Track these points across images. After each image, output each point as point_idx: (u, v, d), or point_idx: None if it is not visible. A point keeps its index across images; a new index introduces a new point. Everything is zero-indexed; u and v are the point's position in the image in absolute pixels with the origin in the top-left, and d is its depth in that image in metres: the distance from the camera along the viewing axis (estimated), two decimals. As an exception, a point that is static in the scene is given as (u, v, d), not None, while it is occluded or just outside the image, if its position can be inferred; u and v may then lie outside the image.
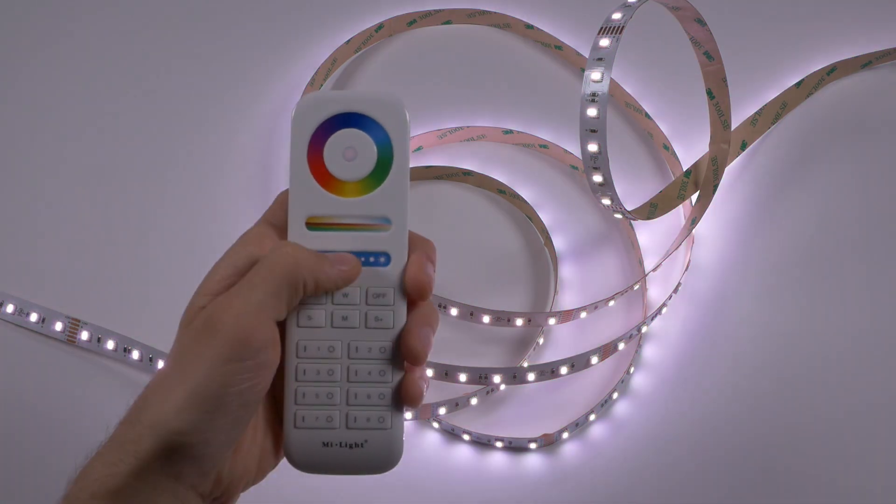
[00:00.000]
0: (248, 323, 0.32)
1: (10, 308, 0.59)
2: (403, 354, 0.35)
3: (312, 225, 0.35)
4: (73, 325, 0.58)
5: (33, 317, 0.58)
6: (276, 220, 0.36)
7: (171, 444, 0.31)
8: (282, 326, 0.35)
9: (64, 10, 0.74)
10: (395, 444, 0.35)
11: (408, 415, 0.55)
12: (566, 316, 0.57)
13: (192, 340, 0.32)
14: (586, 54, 0.69)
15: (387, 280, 0.35)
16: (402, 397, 0.35)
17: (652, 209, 0.62)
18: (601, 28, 0.53)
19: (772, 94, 0.69)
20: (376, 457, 0.35)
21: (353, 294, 0.35)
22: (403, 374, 0.35)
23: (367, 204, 0.35)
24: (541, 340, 0.59)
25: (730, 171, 0.66)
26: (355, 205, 0.35)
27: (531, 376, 0.54)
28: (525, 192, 0.65)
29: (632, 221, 0.63)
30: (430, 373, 0.54)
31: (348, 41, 0.71)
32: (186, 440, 0.31)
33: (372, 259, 0.35)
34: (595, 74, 0.52)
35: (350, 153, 0.35)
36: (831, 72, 0.70)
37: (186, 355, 0.32)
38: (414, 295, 0.35)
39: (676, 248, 0.61)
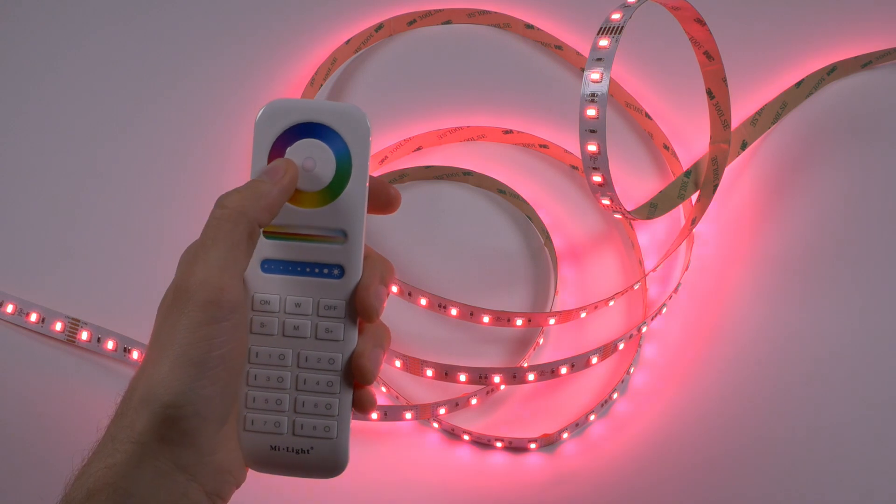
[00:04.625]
0: (215, 284, 0.32)
1: (10, 308, 0.59)
2: (354, 374, 0.35)
3: (268, 233, 0.35)
4: (73, 325, 0.58)
5: (33, 317, 0.58)
6: None
7: (165, 419, 0.31)
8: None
9: (66, 14, 0.75)
10: (340, 453, 0.36)
11: (409, 415, 0.55)
12: (566, 316, 0.57)
13: (165, 315, 0.33)
14: (586, 54, 0.69)
15: (339, 293, 0.35)
16: (356, 407, 0.36)
17: (652, 209, 0.62)
18: (601, 28, 0.53)
19: (772, 94, 0.69)
20: (322, 463, 0.36)
21: (304, 304, 0.35)
22: (352, 387, 0.36)
23: (322, 216, 0.35)
24: (541, 340, 0.59)
25: (730, 171, 0.66)
26: (311, 216, 0.35)
27: (531, 376, 0.54)
28: (525, 192, 0.65)
29: (632, 221, 0.63)
30: (430, 373, 0.54)
31: (348, 41, 0.71)
32: (178, 412, 0.31)
33: (325, 271, 0.35)
34: (594, 74, 0.52)
35: (309, 163, 0.35)
36: (831, 72, 0.70)
37: (164, 330, 0.32)
38: (362, 316, 0.35)
39: (676, 248, 0.61)
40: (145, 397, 0.32)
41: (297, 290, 0.35)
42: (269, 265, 0.35)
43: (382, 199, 0.37)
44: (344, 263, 0.35)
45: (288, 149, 0.35)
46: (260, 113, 0.35)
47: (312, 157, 0.35)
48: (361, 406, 0.36)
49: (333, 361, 0.35)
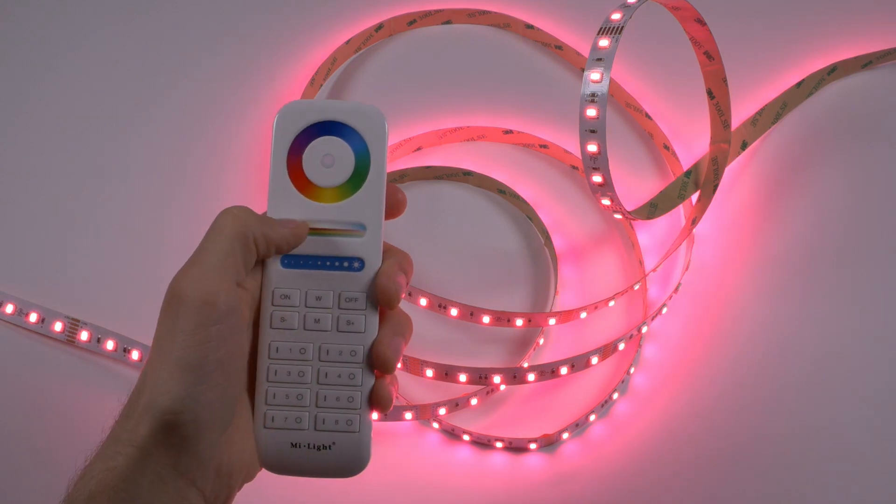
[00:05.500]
0: (209, 287, 0.33)
1: (10, 308, 0.59)
2: (374, 363, 0.36)
3: None
4: (73, 325, 0.58)
5: (33, 317, 0.58)
6: None
7: (165, 425, 0.31)
8: (255, 328, 0.36)
9: (66, 14, 0.75)
10: (363, 448, 0.36)
11: (409, 415, 0.55)
12: (566, 316, 0.57)
13: (163, 319, 0.33)
14: (586, 54, 0.69)
15: (359, 285, 0.36)
16: (372, 402, 0.36)
17: (652, 209, 0.62)
18: (601, 28, 0.53)
19: (772, 94, 0.69)
20: (344, 459, 0.36)
21: (325, 297, 0.36)
22: (374, 380, 0.36)
23: (342, 209, 0.36)
24: (541, 340, 0.59)
25: (730, 171, 0.66)
26: (331, 210, 0.36)
27: (531, 376, 0.54)
28: (525, 192, 0.65)
29: (632, 221, 0.63)
30: (430, 373, 0.54)
31: (348, 41, 0.71)
32: (178, 419, 0.32)
33: (346, 264, 0.36)
34: (594, 75, 0.52)
35: (328, 160, 0.36)
36: (831, 72, 0.70)
37: (162, 335, 0.33)
38: (382, 302, 0.36)
39: (676, 249, 0.61)
40: (148, 401, 0.32)
41: (317, 283, 0.36)
42: (288, 260, 0.36)
43: (389, 202, 0.37)
44: (364, 256, 0.36)
45: (307, 147, 0.36)
46: (278, 114, 0.36)
47: (331, 154, 0.36)
48: (379, 403, 0.36)
49: (355, 353, 0.36)
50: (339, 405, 0.35)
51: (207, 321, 0.32)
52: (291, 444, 0.35)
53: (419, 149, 0.68)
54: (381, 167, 0.36)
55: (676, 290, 0.60)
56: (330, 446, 0.36)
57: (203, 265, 0.33)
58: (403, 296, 0.36)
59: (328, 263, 0.36)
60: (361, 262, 0.36)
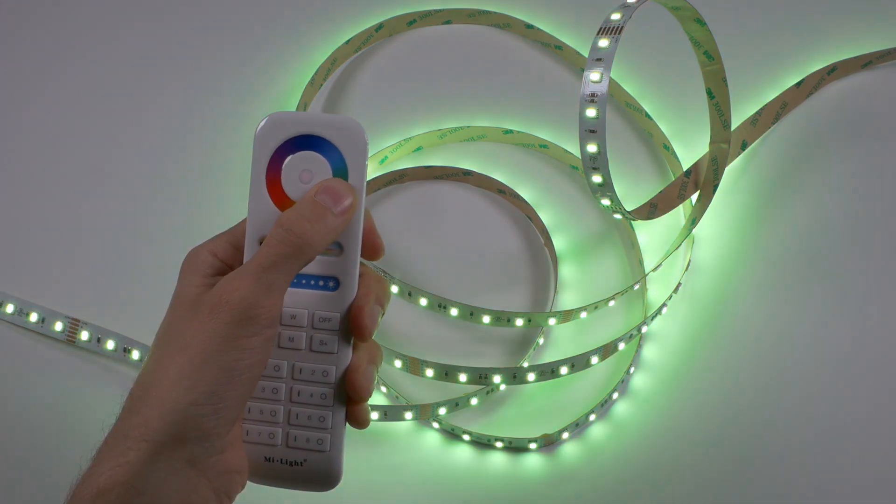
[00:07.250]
0: (257, 302, 0.33)
1: (10, 308, 0.59)
2: (348, 391, 0.36)
3: None
4: (73, 325, 0.58)
5: (33, 317, 0.58)
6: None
7: (185, 418, 0.31)
8: None
9: (67, 19, 0.75)
10: (333, 467, 0.36)
11: (409, 415, 0.55)
12: (566, 316, 0.57)
13: (189, 316, 0.33)
14: (586, 54, 0.69)
15: (333, 305, 0.35)
16: (350, 421, 0.36)
17: (652, 209, 0.62)
18: (600, 28, 0.53)
19: (772, 94, 0.69)
20: (315, 476, 0.36)
21: (300, 316, 0.35)
22: (345, 401, 0.36)
23: None
24: (541, 340, 0.59)
25: (730, 171, 0.66)
26: None
27: (531, 376, 0.54)
28: (525, 192, 0.65)
29: (632, 221, 0.63)
30: (430, 373, 0.54)
31: (348, 41, 0.71)
32: (199, 411, 0.32)
33: (321, 283, 0.35)
34: (594, 75, 0.52)
35: (306, 175, 0.35)
36: (831, 72, 0.70)
37: (186, 331, 0.33)
38: (355, 335, 0.36)
39: (676, 248, 0.61)
40: (163, 395, 0.32)
41: (292, 301, 0.35)
42: None
43: (367, 246, 0.37)
44: (339, 275, 0.35)
45: (285, 161, 0.35)
46: (260, 125, 0.36)
47: (309, 170, 0.35)
48: (356, 421, 0.36)
49: (327, 374, 0.35)
50: (311, 424, 0.36)
51: (247, 332, 0.32)
52: (265, 458, 0.36)
53: (419, 149, 0.68)
54: (359, 185, 0.35)
55: (676, 290, 0.60)
56: (301, 463, 0.36)
57: (258, 282, 0.33)
58: (377, 326, 0.36)
59: (303, 282, 0.35)
60: (336, 281, 0.35)
